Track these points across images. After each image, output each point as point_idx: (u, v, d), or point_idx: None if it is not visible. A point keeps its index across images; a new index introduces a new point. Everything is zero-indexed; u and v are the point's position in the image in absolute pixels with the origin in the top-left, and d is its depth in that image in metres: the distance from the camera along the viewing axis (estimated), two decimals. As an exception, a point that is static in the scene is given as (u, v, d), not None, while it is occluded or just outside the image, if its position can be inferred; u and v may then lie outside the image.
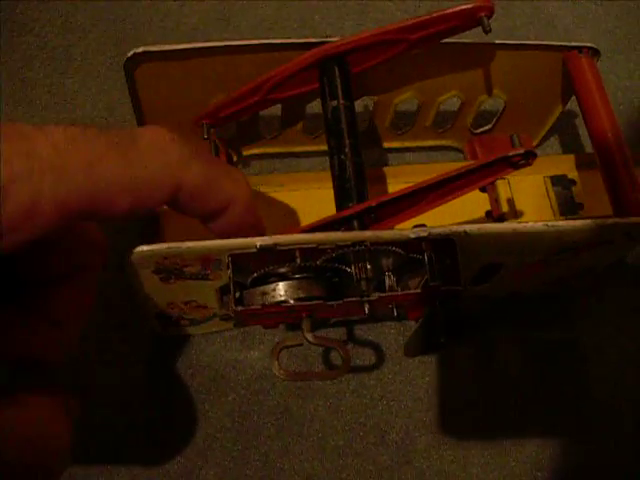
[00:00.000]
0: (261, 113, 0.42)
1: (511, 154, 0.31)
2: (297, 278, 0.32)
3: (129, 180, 0.24)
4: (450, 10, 0.35)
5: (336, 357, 0.41)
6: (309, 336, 0.32)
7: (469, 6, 0.35)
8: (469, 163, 0.33)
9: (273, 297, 0.31)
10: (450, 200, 0.34)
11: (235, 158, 0.46)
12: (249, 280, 0.32)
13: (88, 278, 0.29)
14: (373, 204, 0.32)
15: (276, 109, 0.42)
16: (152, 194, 0.25)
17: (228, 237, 0.30)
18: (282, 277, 0.32)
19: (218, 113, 0.39)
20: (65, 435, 0.26)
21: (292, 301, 0.31)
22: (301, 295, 0.31)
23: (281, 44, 0.37)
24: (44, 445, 0.25)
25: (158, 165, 0.25)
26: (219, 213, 0.29)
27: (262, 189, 0.42)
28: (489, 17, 0.35)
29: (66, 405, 0.26)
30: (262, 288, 0.32)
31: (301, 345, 0.33)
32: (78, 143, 0.23)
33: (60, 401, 0.26)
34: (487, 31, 0.35)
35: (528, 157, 0.31)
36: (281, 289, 0.31)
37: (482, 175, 0.33)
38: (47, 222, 0.22)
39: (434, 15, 0.35)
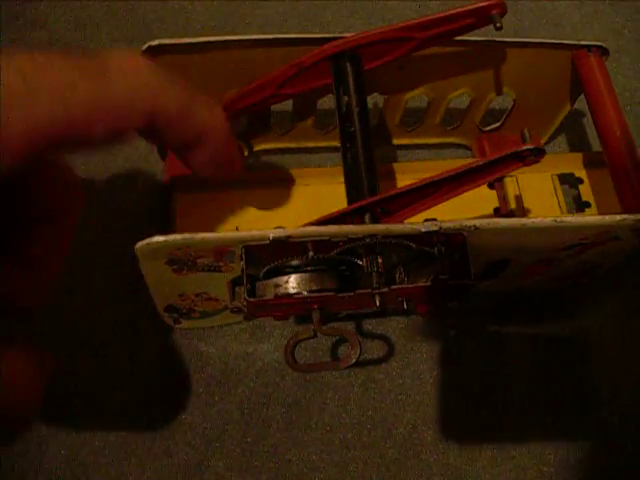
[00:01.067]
0: (273, 108, 0.42)
1: (521, 149, 0.31)
2: (310, 270, 0.32)
3: (102, 104, 0.24)
4: (463, 8, 0.36)
5: (344, 349, 0.42)
6: (320, 327, 0.33)
7: (482, 4, 0.35)
8: (479, 160, 0.33)
9: (285, 289, 0.32)
10: (460, 194, 0.34)
11: (246, 153, 0.46)
12: (262, 272, 0.32)
13: (64, 222, 0.28)
14: (385, 197, 0.33)
15: (287, 104, 0.42)
16: (127, 116, 0.25)
17: (204, 172, 0.30)
18: (295, 269, 0.32)
19: (231, 106, 0.39)
20: (36, 392, 0.26)
21: (305, 292, 0.32)
22: (313, 287, 0.32)
23: (295, 39, 0.37)
24: (13, 398, 0.25)
25: (132, 88, 0.25)
26: (195, 142, 0.29)
27: (273, 184, 0.43)
28: (502, 15, 0.36)
29: (38, 361, 0.26)
30: (275, 280, 0.32)
31: (314, 337, 0.33)
32: (46, 70, 0.22)
33: (34, 356, 0.26)
34: (498, 28, 0.35)
35: (537, 154, 0.32)
36: (294, 281, 0.32)
37: (492, 169, 0.33)
38: (17, 153, 0.22)
39: (447, 13, 0.36)
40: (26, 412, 0.26)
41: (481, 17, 0.36)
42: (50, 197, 0.28)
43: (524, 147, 0.31)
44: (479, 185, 0.34)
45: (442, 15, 0.36)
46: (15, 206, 0.27)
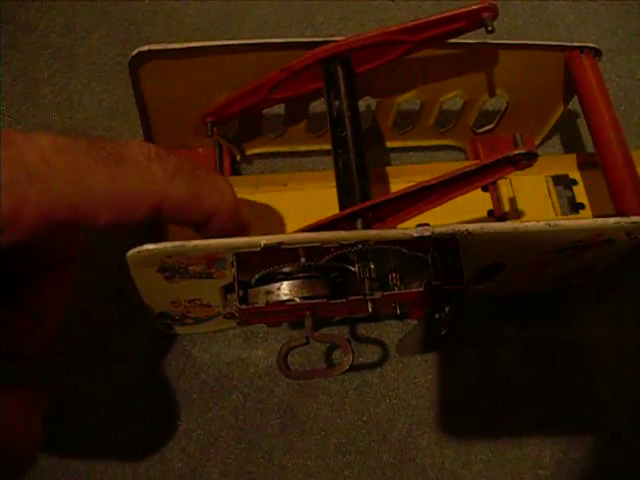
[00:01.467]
0: (264, 112, 0.42)
1: (513, 154, 0.31)
2: (301, 277, 0.32)
3: (112, 195, 0.24)
4: (455, 11, 0.36)
5: (338, 354, 0.41)
6: (312, 334, 0.33)
7: (474, 7, 0.35)
8: (472, 163, 0.33)
9: (277, 296, 0.32)
10: (453, 198, 0.34)
11: (238, 157, 0.46)
12: (254, 279, 0.32)
13: (66, 271, 0.29)
14: (377, 203, 0.33)
15: (279, 108, 0.42)
16: (134, 210, 0.25)
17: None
18: (286, 276, 0.32)
19: (222, 111, 0.39)
20: (36, 434, 0.26)
21: (298, 299, 0.31)
22: (305, 294, 0.32)
23: (286, 43, 0.37)
24: (15, 444, 0.25)
25: (141, 182, 0.25)
26: (204, 222, 0.29)
27: (265, 188, 0.43)
28: (493, 18, 0.35)
29: (36, 403, 0.26)
30: (266, 287, 0.32)
31: (307, 344, 0.33)
32: (66, 154, 0.23)
33: (32, 399, 0.26)
34: (490, 31, 0.35)
35: (530, 158, 0.32)
36: (285, 288, 0.32)
37: (485, 174, 0.33)
38: (29, 229, 0.22)
39: (439, 16, 0.36)
40: (27, 456, 0.26)
41: (473, 20, 0.36)
42: (54, 250, 0.29)
43: (516, 151, 0.31)
44: (472, 190, 0.34)
45: (433, 18, 0.36)
46: (19, 261, 0.28)
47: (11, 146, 0.22)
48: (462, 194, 0.34)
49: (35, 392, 0.27)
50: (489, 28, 0.35)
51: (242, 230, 0.31)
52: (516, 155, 0.31)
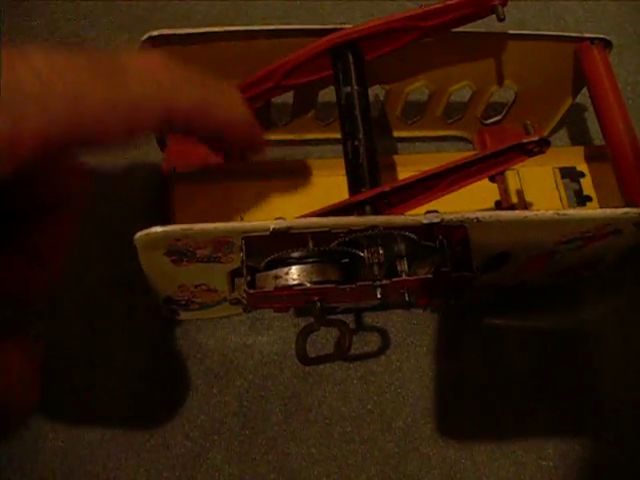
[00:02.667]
0: (273, 100, 0.42)
1: (526, 141, 0.31)
2: (310, 262, 0.32)
3: (116, 106, 0.24)
4: None
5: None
6: (320, 320, 0.33)
7: None
8: (481, 152, 0.33)
9: (286, 280, 0.32)
10: (462, 187, 0.34)
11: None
12: (262, 264, 0.32)
13: (69, 210, 0.28)
14: (387, 189, 0.33)
15: (288, 96, 0.42)
16: (141, 117, 0.25)
17: (230, 158, 0.30)
18: (295, 261, 0.32)
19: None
20: (32, 385, 0.25)
21: (307, 284, 0.31)
22: (314, 279, 0.31)
23: (297, 30, 0.37)
24: (9, 395, 0.25)
25: (147, 90, 0.25)
26: (217, 135, 0.29)
27: (273, 176, 0.42)
28: (503, 5, 0.35)
29: (32, 353, 0.26)
30: (275, 271, 0.32)
31: (318, 330, 0.33)
32: (62, 72, 0.22)
33: (27, 348, 0.26)
34: (501, 19, 0.35)
35: (542, 145, 0.32)
36: (294, 272, 0.32)
37: (495, 162, 0.33)
38: (30, 152, 0.22)
39: (449, 3, 0.35)
40: (24, 407, 0.25)
41: (482, 7, 0.35)
42: (56, 184, 0.27)
43: (527, 139, 0.31)
44: (482, 178, 0.34)
45: (444, 5, 0.36)
46: (20, 195, 0.26)
47: (5, 68, 0.21)
48: (472, 182, 0.34)
49: (31, 341, 0.26)
50: (501, 16, 0.35)
51: (254, 146, 0.31)
52: (529, 142, 0.31)
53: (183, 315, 0.40)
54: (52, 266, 0.28)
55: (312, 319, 0.33)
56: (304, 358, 0.33)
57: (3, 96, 0.21)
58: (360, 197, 0.33)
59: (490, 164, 0.33)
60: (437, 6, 0.36)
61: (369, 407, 0.40)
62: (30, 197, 0.27)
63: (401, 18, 0.36)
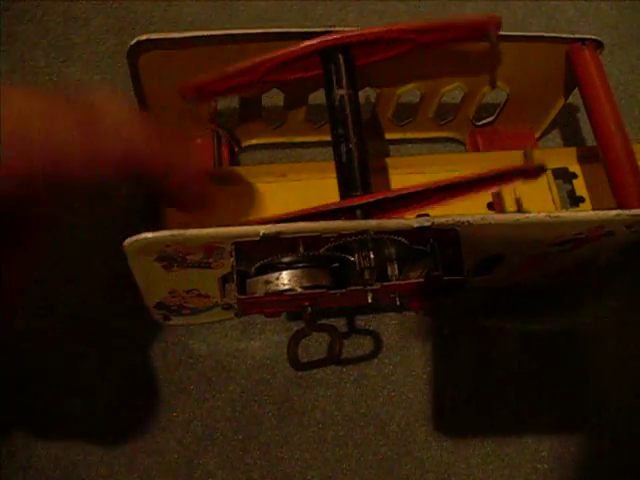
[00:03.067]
0: (264, 103, 0.41)
1: (522, 167, 0.31)
2: (300, 267, 0.31)
3: (83, 149, 0.25)
4: (462, 21, 0.36)
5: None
6: (312, 324, 0.32)
7: (482, 20, 0.35)
8: (480, 173, 0.33)
9: (276, 286, 0.31)
10: (454, 202, 0.34)
11: (237, 148, 0.46)
12: (252, 269, 0.32)
13: (34, 234, 0.30)
14: (378, 199, 0.32)
15: (278, 99, 0.42)
16: (102, 162, 0.26)
17: (174, 206, 0.33)
18: (286, 266, 0.32)
19: (207, 87, 0.38)
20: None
21: (297, 289, 0.31)
22: (305, 284, 0.31)
23: (287, 33, 0.37)
24: None
25: (111, 136, 0.27)
26: (166, 180, 0.30)
27: (264, 179, 0.42)
28: (496, 31, 0.36)
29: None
30: (265, 277, 0.32)
31: (310, 334, 0.33)
32: (39, 113, 0.24)
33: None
34: (493, 43, 0.35)
35: (539, 172, 0.32)
36: (284, 278, 0.31)
37: (492, 183, 0.33)
38: (10, 190, 0.24)
39: (446, 22, 0.36)
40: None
41: (477, 31, 0.36)
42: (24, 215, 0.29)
43: (525, 166, 0.31)
44: (474, 195, 0.34)
45: (440, 23, 0.36)
46: None
47: None
48: (463, 199, 0.34)
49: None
50: (493, 41, 0.35)
51: (201, 191, 0.32)
52: (526, 169, 0.31)
53: (175, 320, 0.40)
54: (9, 290, 0.30)
55: (304, 323, 0.33)
56: (296, 364, 0.33)
57: None
58: (353, 202, 0.33)
59: (486, 184, 0.33)
60: (434, 23, 0.36)
61: (362, 411, 0.40)
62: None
63: (396, 30, 0.36)
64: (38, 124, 0.24)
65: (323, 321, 0.41)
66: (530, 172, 0.32)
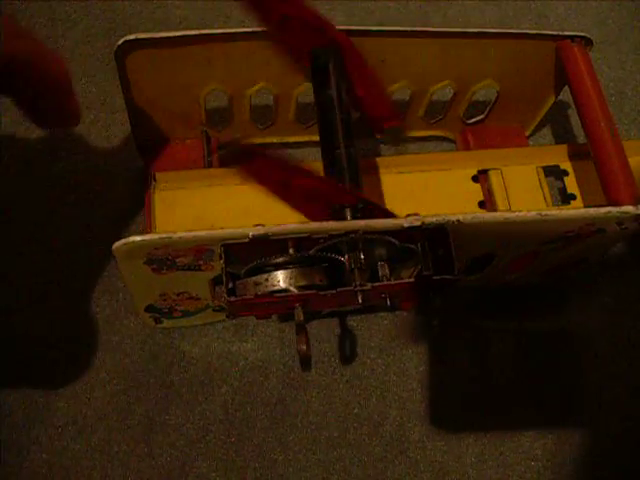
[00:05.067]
0: (253, 103, 0.41)
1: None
2: (290, 268, 0.31)
3: None
4: None
5: (331, 348, 0.41)
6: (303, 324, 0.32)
7: None
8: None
9: (266, 287, 0.31)
10: None
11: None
12: (243, 271, 0.32)
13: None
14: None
15: (269, 99, 0.42)
16: None
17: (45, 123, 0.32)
18: (275, 267, 0.31)
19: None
20: None
21: (288, 290, 0.31)
22: (294, 285, 0.31)
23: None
24: None
25: None
26: (43, 88, 0.30)
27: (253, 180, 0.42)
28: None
29: None
30: (255, 278, 0.31)
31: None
32: None
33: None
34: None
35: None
36: (274, 279, 0.31)
37: None
38: None
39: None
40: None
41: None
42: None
43: None
44: None
45: None
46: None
47: None
48: None
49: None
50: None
51: (72, 103, 0.31)
52: None
53: (166, 323, 0.40)
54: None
55: (295, 325, 0.33)
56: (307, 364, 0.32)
57: None
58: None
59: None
60: None
61: (355, 411, 0.40)
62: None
63: None
64: None
65: (315, 322, 0.41)
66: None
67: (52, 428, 0.38)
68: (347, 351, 0.41)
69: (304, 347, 0.31)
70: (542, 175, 0.44)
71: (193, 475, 0.38)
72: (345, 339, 0.42)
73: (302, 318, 0.32)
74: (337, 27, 0.37)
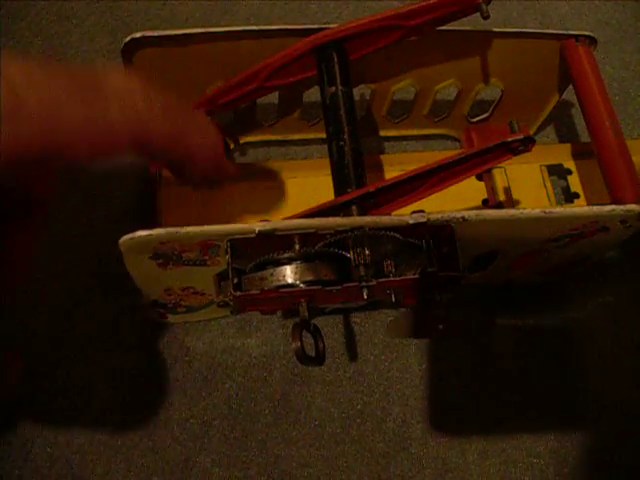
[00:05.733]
0: (258, 101, 0.41)
1: (510, 139, 0.31)
2: (296, 264, 0.31)
3: (92, 128, 0.23)
4: None
5: (334, 344, 0.41)
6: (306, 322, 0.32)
7: None
8: (468, 150, 0.33)
9: (272, 282, 0.31)
10: (448, 186, 0.34)
11: (232, 145, 0.46)
12: (249, 267, 0.32)
13: (36, 214, 0.28)
14: (372, 189, 0.32)
15: (273, 97, 0.42)
16: (112, 141, 0.25)
17: (194, 184, 0.31)
18: (281, 263, 0.32)
19: (216, 100, 0.39)
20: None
21: (300, 283, 0.31)
22: (300, 280, 0.31)
23: (281, 30, 0.37)
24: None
25: (121, 113, 0.24)
26: (184, 163, 0.29)
27: (259, 176, 0.42)
28: (487, 3, 0.35)
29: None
30: (261, 273, 0.31)
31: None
32: (39, 87, 0.22)
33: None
34: (485, 17, 0.35)
35: (527, 143, 0.32)
36: (280, 274, 0.31)
37: (481, 161, 0.33)
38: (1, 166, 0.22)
39: (432, 1, 0.35)
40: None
41: (467, 5, 0.35)
42: (28, 191, 0.27)
43: (512, 138, 0.31)
44: (467, 177, 0.34)
45: (427, 3, 0.35)
46: None
47: None
48: (458, 181, 0.34)
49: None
50: (485, 14, 0.35)
51: (222, 171, 0.31)
52: (514, 141, 0.31)
53: (171, 318, 0.40)
54: (19, 269, 0.28)
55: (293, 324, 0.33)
56: (303, 358, 0.32)
57: None
58: (346, 198, 0.33)
59: (475, 162, 0.33)
60: (421, 5, 0.36)
61: (359, 408, 0.40)
62: (3, 201, 0.27)
63: (384, 17, 0.36)
64: (35, 99, 0.22)
65: (319, 319, 0.41)
66: (517, 144, 0.32)
67: (56, 422, 0.39)
68: (350, 348, 0.42)
69: (299, 344, 0.31)
70: (546, 174, 0.45)
71: (196, 470, 0.38)
72: (349, 336, 0.42)
73: (306, 314, 0.32)
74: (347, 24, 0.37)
